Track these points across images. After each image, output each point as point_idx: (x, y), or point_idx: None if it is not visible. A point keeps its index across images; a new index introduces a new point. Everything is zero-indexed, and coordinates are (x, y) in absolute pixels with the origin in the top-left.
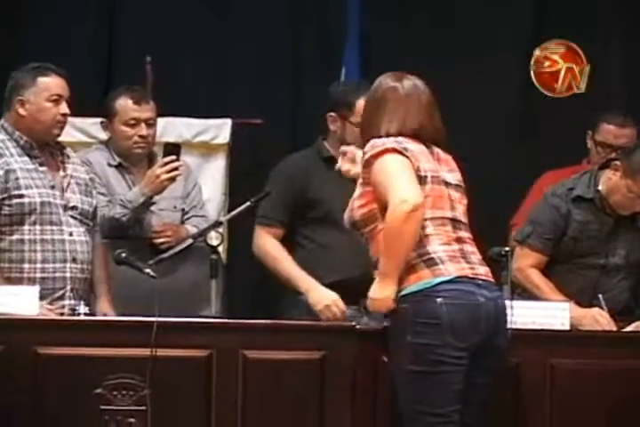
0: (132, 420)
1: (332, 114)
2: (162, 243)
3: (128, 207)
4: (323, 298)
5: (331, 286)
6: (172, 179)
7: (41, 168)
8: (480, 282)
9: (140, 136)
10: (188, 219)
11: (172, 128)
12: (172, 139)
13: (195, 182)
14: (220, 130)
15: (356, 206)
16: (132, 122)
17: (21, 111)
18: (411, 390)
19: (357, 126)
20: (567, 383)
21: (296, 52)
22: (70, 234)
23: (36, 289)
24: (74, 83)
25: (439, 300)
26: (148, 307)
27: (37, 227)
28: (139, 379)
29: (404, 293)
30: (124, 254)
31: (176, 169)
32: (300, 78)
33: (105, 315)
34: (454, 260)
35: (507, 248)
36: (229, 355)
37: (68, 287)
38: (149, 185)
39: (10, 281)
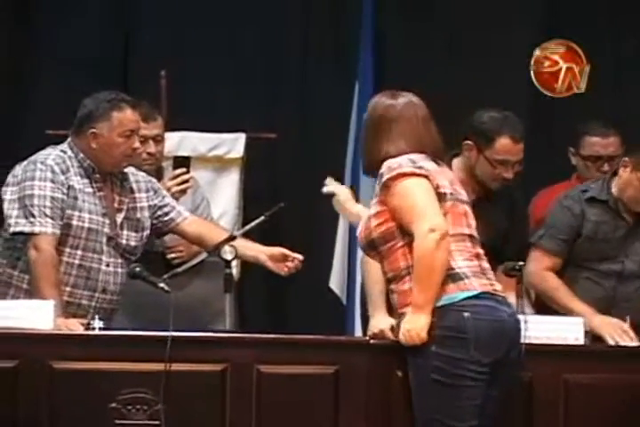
0: None
1: (469, 142)
2: (174, 258)
3: None
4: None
5: None
6: (183, 191)
7: (98, 193)
8: (499, 298)
9: (149, 153)
10: None
11: (187, 142)
12: (186, 153)
13: (202, 196)
14: (234, 144)
15: (374, 225)
16: (141, 139)
17: (93, 144)
18: (431, 401)
19: (491, 162)
20: (581, 398)
21: (310, 65)
22: (107, 265)
23: (51, 304)
24: (87, 96)
25: (466, 314)
26: (158, 320)
27: (79, 252)
28: (153, 393)
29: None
30: (137, 269)
31: (186, 181)
32: (313, 92)
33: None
34: (477, 275)
35: (521, 263)
36: (244, 369)
37: (89, 316)
38: None
39: (31, 294)
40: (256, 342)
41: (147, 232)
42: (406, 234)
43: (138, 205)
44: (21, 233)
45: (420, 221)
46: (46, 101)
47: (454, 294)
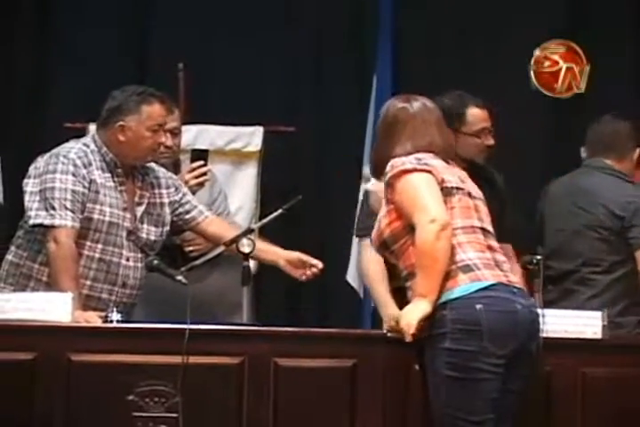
0: None
1: None
2: (191, 251)
3: None
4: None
5: None
6: (201, 184)
7: (120, 187)
8: (515, 290)
9: (166, 146)
10: None
11: (204, 136)
12: (204, 146)
13: (220, 189)
14: (251, 137)
15: (384, 225)
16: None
17: (120, 137)
18: (446, 395)
19: (471, 135)
20: (599, 392)
21: (328, 58)
22: (127, 259)
23: (69, 296)
24: (105, 90)
25: (478, 306)
26: (175, 313)
27: (99, 245)
28: (170, 386)
29: (443, 299)
30: (155, 261)
31: (204, 174)
32: (331, 85)
33: None
34: (489, 267)
35: (538, 257)
36: (261, 362)
37: (110, 309)
38: None
39: (50, 287)
40: (273, 335)
41: (167, 228)
42: (414, 231)
43: (158, 200)
44: (41, 225)
45: (421, 212)
46: (64, 96)
47: (466, 285)
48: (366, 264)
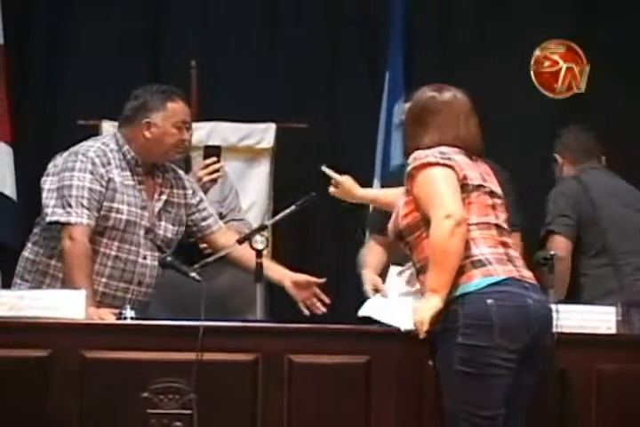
0: (179, 424)
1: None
2: (205, 248)
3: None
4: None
5: None
6: (214, 180)
7: (139, 186)
8: (527, 285)
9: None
10: (226, 223)
11: (217, 132)
12: (217, 143)
13: (231, 186)
14: (264, 134)
15: (401, 215)
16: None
17: (147, 134)
18: (459, 391)
19: None
20: (613, 387)
21: (340, 55)
22: (144, 257)
23: (83, 293)
24: (118, 88)
25: (489, 301)
26: (189, 310)
27: (116, 243)
28: (185, 383)
29: (455, 294)
30: (169, 258)
31: (217, 171)
32: (343, 82)
33: None
34: (501, 262)
35: (552, 252)
36: (275, 359)
37: (124, 307)
38: None
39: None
40: (287, 331)
41: (182, 228)
42: (429, 224)
43: (176, 200)
44: (57, 222)
45: (438, 207)
46: (77, 93)
47: (478, 280)
48: (364, 256)
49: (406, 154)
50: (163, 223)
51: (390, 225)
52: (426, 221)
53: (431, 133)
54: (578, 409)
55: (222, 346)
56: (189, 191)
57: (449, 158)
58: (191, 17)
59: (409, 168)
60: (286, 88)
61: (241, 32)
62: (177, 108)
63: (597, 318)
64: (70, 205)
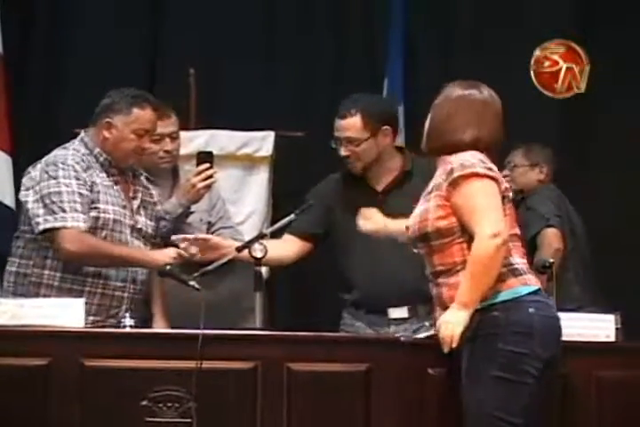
0: None
1: (388, 127)
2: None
3: (167, 219)
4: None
5: None
6: (208, 187)
7: (116, 186)
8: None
9: (165, 151)
10: (216, 231)
11: (215, 140)
12: (215, 151)
13: (218, 195)
14: (262, 142)
15: (433, 218)
16: (156, 137)
17: (106, 133)
18: (492, 396)
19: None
20: (613, 395)
21: (339, 63)
22: None
23: (81, 302)
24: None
25: (531, 310)
26: (189, 318)
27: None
28: (184, 391)
29: (495, 300)
30: (167, 267)
31: (211, 177)
32: (342, 90)
33: None
34: (530, 272)
35: (551, 260)
36: (274, 367)
37: (124, 307)
38: (186, 195)
39: (70, 292)
40: (286, 339)
41: (162, 223)
42: (466, 232)
43: (149, 198)
44: (51, 229)
45: (484, 223)
46: (76, 101)
47: (517, 288)
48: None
49: (435, 146)
50: (142, 219)
51: (413, 227)
52: (460, 230)
53: (471, 129)
54: (578, 416)
55: (221, 354)
56: (156, 199)
57: (490, 169)
58: (190, 24)
59: (455, 175)
60: (285, 96)
61: (239, 40)
62: (142, 115)
63: (597, 327)
64: (64, 211)
